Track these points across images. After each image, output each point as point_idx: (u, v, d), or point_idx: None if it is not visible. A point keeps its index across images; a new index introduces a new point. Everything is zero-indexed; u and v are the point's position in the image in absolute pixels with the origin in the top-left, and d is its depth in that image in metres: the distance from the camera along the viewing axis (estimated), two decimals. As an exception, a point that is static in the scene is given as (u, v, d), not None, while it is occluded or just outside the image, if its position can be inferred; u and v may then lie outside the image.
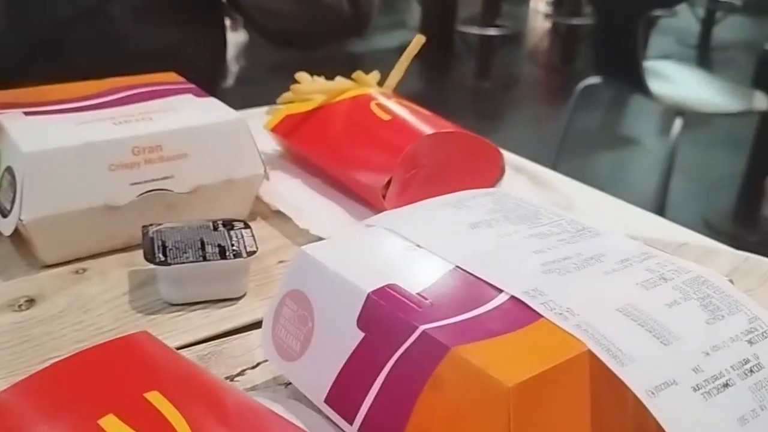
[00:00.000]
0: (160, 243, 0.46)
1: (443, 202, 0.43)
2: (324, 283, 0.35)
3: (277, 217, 0.57)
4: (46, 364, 0.41)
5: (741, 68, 2.74)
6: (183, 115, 0.54)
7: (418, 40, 0.66)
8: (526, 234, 0.38)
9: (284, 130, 0.64)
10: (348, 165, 0.58)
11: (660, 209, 1.86)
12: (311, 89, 0.64)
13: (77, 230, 0.49)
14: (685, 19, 3.71)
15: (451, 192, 0.44)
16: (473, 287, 0.33)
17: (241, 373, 0.41)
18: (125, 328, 0.44)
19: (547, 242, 0.37)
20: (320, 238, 0.52)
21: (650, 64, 2.10)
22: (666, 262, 0.36)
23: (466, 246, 0.37)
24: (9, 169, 0.48)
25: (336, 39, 0.92)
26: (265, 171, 0.55)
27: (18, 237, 0.49)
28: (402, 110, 0.60)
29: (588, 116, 2.57)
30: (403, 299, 0.32)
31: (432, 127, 0.58)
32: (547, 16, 4.42)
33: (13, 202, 0.47)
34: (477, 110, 3.09)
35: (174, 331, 0.44)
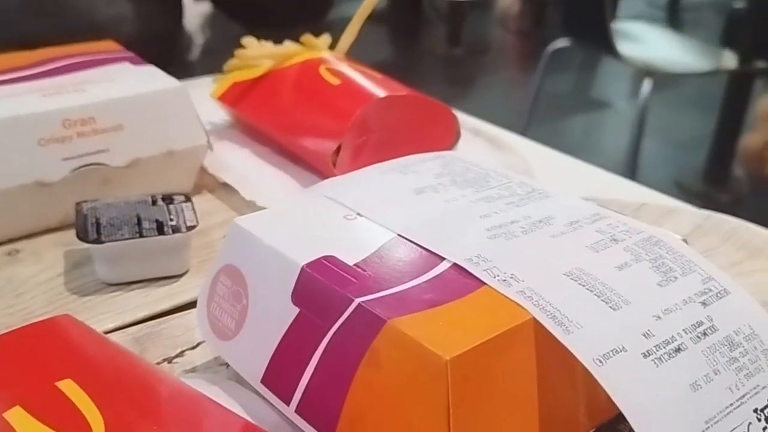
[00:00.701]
0: (94, 220, 0.44)
1: (389, 168, 0.41)
2: (257, 256, 0.33)
3: (224, 189, 0.55)
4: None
5: (710, 28, 2.73)
6: (118, 84, 0.51)
7: (370, 2, 0.63)
8: (473, 198, 0.36)
9: (231, 98, 0.61)
10: (297, 132, 0.56)
11: (632, 171, 1.85)
12: (258, 54, 0.61)
13: (8, 210, 0.47)
14: (655, -20, 3.68)
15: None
16: (415, 256, 0.32)
17: (181, 354, 0.39)
18: (58, 311, 0.41)
19: (495, 206, 0.35)
20: (269, 210, 0.50)
21: (619, 26, 2.08)
22: (618, 223, 0.34)
23: (409, 213, 0.35)
24: (-70, 147, 0.45)
25: (294, 22, 0.90)
26: (208, 141, 0.53)
27: (-56, 219, 0.47)
28: (353, 74, 0.58)
29: (559, 80, 2.55)
30: (339, 271, 0.30)
31: (383, 90, 0.55)
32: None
33: (-65, 182, 0.44)
34: (448, 76, 3.05)
35: (110, 312, 0.42)
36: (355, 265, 0.31)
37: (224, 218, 0.52)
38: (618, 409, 0.25)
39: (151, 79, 0.53)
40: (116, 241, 0.42)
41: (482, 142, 0.62)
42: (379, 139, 0.54)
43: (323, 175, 0.54)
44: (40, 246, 0.48)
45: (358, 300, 0.28)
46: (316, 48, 0.63)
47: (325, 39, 0.64)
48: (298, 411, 0.30)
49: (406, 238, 0.33)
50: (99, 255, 0.43)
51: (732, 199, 1.99)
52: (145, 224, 0.44)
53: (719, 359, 0.28)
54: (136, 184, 0.50)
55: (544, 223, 0.34)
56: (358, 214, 0.35)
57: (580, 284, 0.29)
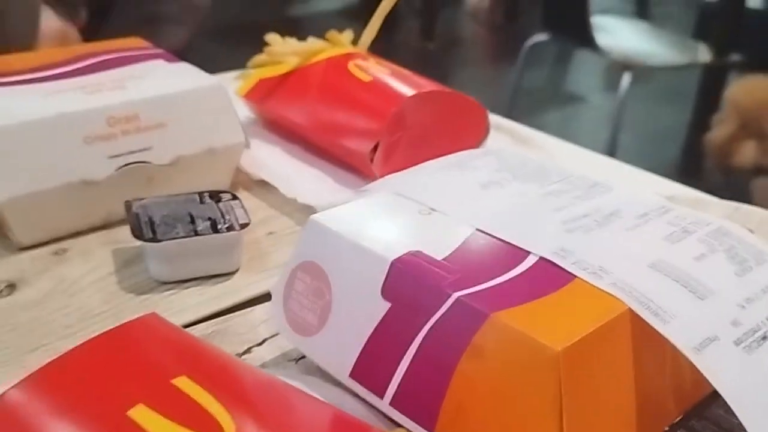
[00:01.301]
0: (146, 218, 0.44)
1: (445, 164, 0.41)
2: (340, 252, 0.34)
3: (260, 186, 0.55)
4: (39, 353, 0.39)
5: (680, 22, 2.78)
6: (157, 81, 0.51)
7: (390, -1, 0.63)
8: (540, 192, 0.37)
9: (258, 95, 0.61)
10: (331, 130, 0.56)
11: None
12: (284, 51, 0.61)
13: (54, 208, 0.46)
14: (622, -27, 3.73)
15: (439, 154, 0.43)
16: (499, 251, 0.32)
17: (248, 350, 0.39)
18: (116, 311, 0.42)
19: (563, 200, 0.36)
20: (308, 207, 0.51)
21: (595, 20, 2.11)
22: (685, 214, 0.35)
23: (481, 207, 0.36)
24: (-25, 147, 0.45)
25: None
26: (246, 139, 0.53)
27: (-11, 219, 0.46)
28: (382, 70, 0.58)
29: (534, 74, 2.58)
30: (430, 266, 0.31)
31: (416, 87, 0.56)
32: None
33: (-18, 181, 0.44)
34: (423, 72, 3.06)
35: (170, 310, 0.42)
36: (442, 260, 0.32)
37: (265, 216, 0.52)
38: (700, 395, 0.27)
39: (187, 76, 0.53)
40: (173, 239, 0.43)
41: (506, 137, 0.63)
42: (413, 136, 0.55)
43: (359, 173, 0.55)
44: (87, 245, 0.47)
45: (456, 294, 0.29)
46: (341, 44, 0.63)
47: (348, 34, 0.64)
48: (393, 404, 0.31)
49: (486, 233, 0.34)
50: (154, 253, 0.43)
51: (707, 189, 2.04)
52: (199, 222, 0.44)
53: (802, 345, 0.29)
54: (178, 182, 0.50)
55: (615, 216, 0.35)
56: (432, 209, 0.36)
57: (665, 275, 0.30)
